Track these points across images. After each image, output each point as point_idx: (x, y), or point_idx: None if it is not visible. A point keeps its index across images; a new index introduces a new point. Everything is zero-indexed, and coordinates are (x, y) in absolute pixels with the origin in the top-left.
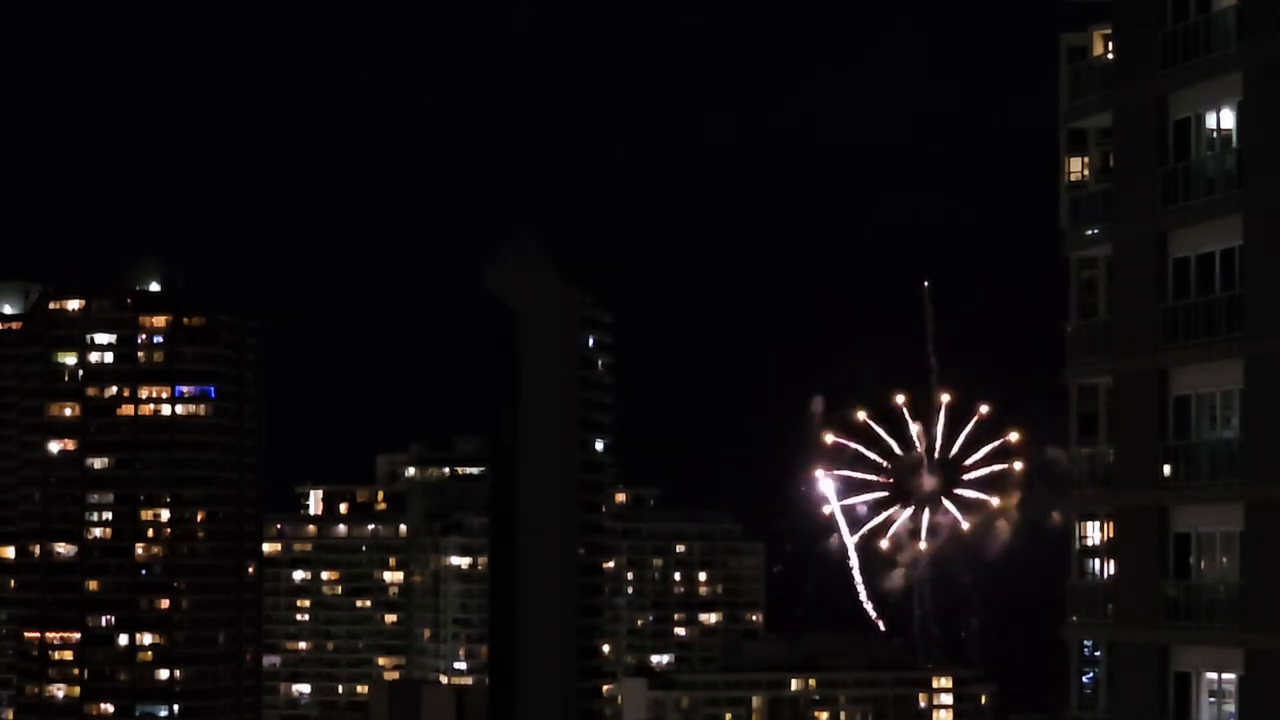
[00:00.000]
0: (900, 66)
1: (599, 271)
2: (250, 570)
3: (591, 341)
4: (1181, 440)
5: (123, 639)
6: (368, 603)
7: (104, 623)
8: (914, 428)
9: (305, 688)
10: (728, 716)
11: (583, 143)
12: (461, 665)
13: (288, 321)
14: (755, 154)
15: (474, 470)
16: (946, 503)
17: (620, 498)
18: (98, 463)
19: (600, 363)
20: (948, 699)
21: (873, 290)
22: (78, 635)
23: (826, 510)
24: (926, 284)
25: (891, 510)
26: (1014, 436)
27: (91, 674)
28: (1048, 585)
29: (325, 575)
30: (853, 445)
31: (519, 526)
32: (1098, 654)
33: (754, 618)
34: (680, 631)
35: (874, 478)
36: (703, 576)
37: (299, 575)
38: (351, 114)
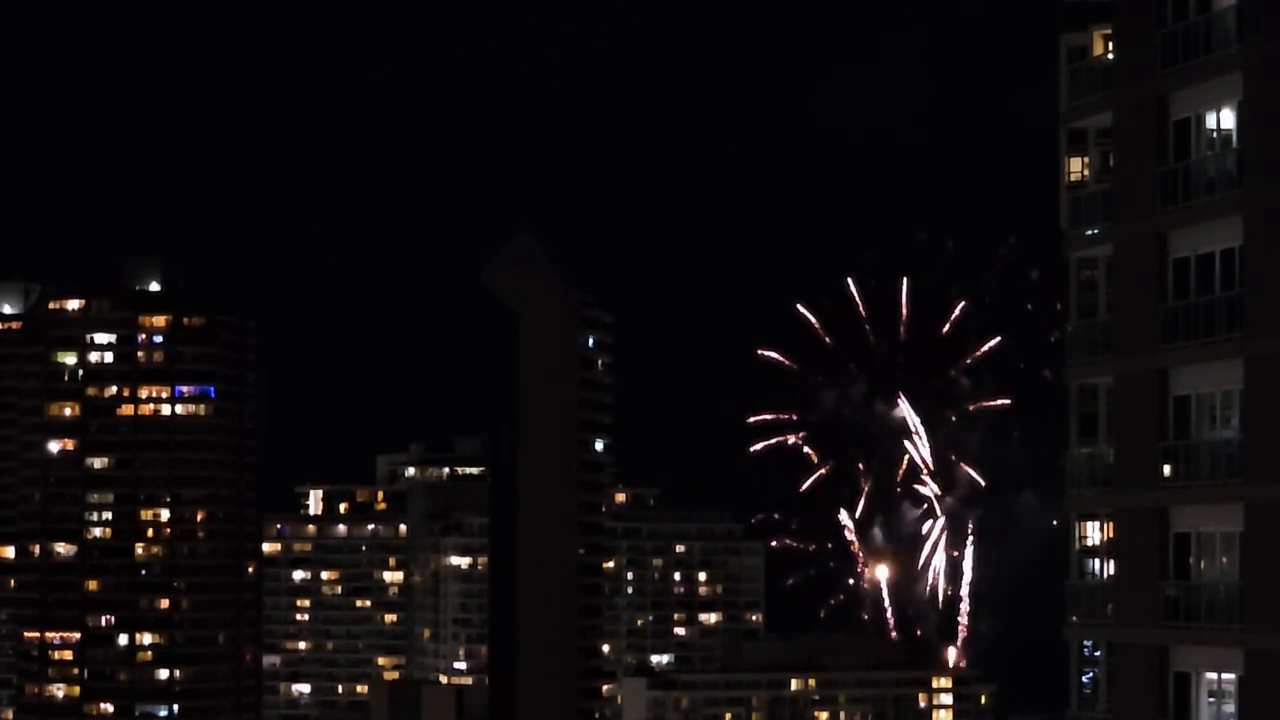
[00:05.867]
0: (900, 66)
1: (599, 271)
2: (250, 570)
3: (591, 341)
4: (1181, 440)
5: (123, 639)
6: (368, 603)
7: (104, 623)
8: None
9: (305, 688)
10: (728, 716)
11: (583, 143)
12: (461, 665)
13: (287, 321)
14: (755, 154)
15: (474, 470)
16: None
17: (620, 498)
18: (98, 463)
19: (600, 363)
20: (948, 699)
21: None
22: (78, 635)
23: None
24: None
25: None
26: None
27: (91, 674)
28: (1048, 585)
29: (325, 575)
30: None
31: (519, 526)
32: (1098, 654)
33: (754, 618)
34: (680, 631)
35: None
36: (703, 576)
37: (299, 575)
38: (352, 114)
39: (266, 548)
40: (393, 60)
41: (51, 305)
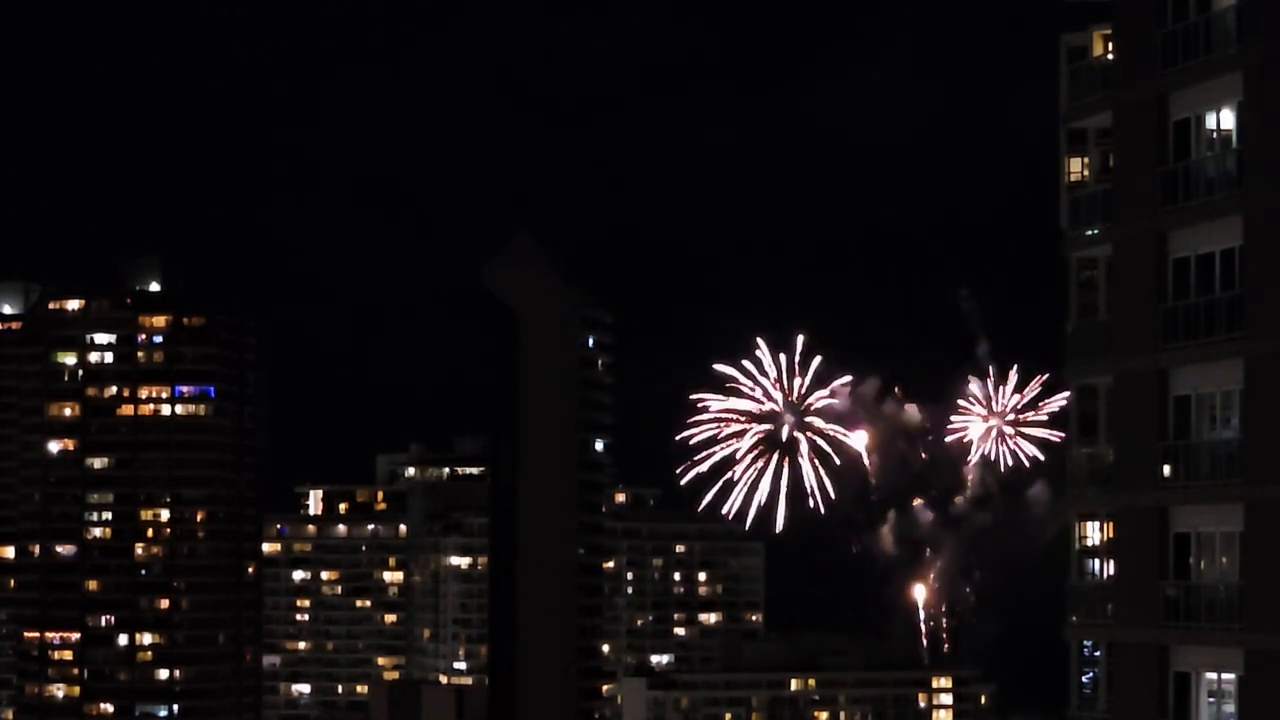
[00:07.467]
0: (900, 66)
1: (599, 271)
2: (250, 570)
3: (591, 341)
4: (1181, 440)
5: (123, 639)
6: (368, 603)
7: (104, 623)
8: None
9: (305, 688)
10: (728, 716)
11: (582, 142)
12: (461, 665)
13: (288, 321)
14: (755, 155)
15: (474, 470)
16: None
17: (620, 498)
18: (98, 463)
19: (600, 363)
20: (947, 699)
21: (874, 290)
22: (78, 635)
23: None
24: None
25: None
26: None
27: (91, 674)
28: (1048, 585)
29: (325, 575)
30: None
31: (519, 526)
32: (1098, 654)
33: (754, 618)
34: (680, 631)
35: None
36: (703, 576)
37: (299, 575)
38: (352, 113)
39: (266, 548)
40: (392, 60)
41: (51, 305)
